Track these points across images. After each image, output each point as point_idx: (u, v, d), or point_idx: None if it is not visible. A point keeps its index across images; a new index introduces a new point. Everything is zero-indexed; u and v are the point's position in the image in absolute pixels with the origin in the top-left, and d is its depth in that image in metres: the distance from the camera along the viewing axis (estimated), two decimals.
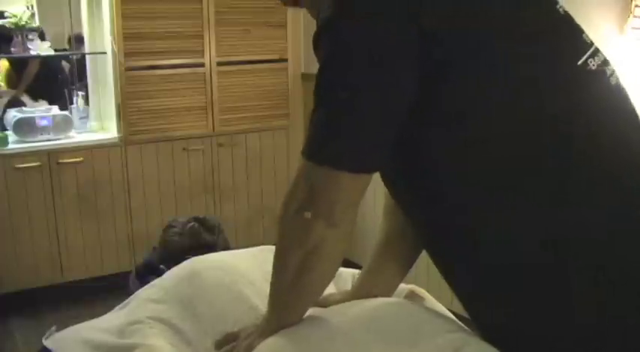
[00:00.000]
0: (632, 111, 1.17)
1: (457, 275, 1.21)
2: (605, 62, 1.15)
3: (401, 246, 1.40)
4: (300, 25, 4.41)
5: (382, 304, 1.30)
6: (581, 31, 1.16)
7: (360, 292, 1.41)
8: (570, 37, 1.14)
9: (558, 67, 1.10)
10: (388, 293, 1.43)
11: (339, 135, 1.07)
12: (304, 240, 1.12)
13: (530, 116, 1.06)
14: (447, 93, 1.05)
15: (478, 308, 1.21)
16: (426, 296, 1.52)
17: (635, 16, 2.67)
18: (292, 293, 1.20)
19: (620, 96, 1.16)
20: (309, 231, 1.11)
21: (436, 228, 1.19)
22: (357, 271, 1.67)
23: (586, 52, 1.12)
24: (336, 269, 1.23)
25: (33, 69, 5.08)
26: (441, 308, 1.48)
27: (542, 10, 1.13)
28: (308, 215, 1.10)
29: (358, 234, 3.92)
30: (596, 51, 1.14)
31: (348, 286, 1.62)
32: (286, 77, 4.37)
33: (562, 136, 1.07)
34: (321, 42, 1.09)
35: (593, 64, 1.12)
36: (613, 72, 1.16)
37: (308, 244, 1.12)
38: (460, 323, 1.33)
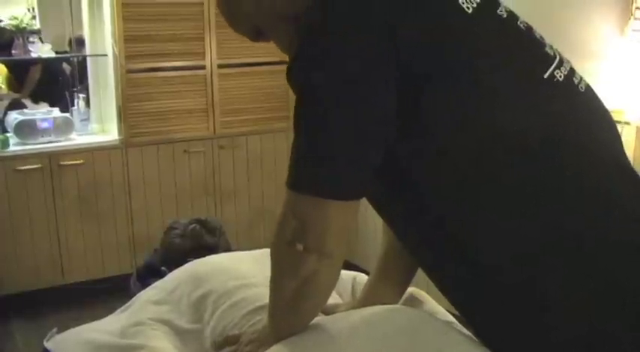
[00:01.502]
0: (607, 114, 1.19)
1: (448, 290, 1.22)
2: (572, 71, 1.16)
3: (401, 258, 1.40)
4: None
5: (381, 310, 1.30)
6: (544, 45, 1.16)
7: (365, 303, 1.41)
8: (533, 51, 1.14)
9: (523, 81, 1.10)
10: (393, 302, 1.43)
11: (321, 163, 1.06)
12: (297, 271, 1.11)
13: (494, 129, 1.06)
14: (421, 107, 1.05)
15: (470, 318, 1.22)
16: (427, 299, 1.52)
17: (635, 18, 2.67)
18: (288, 316, 1.20)
19: (592, 102, 1.17)
20: (302, 264, 1.10)
21: (421, 242, 1.19)
22: (357, 274, 1.68)
23: (551, 65, 1.12)
24: (330, 293, 1.22)
25: (36, 74, 5.09)
26: (442, 311, 1.48)
27: (505, 26, 1.14)
28: (300, 247, 1.08)
29: (359, 238, 3.92)
30: (561, 62, 1.14)
31: (348, 289, 1.62)
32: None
33: (529, 148, 1.06)
34: (293, 73, 1.08)
35: (560, 75, 1.12)
36: (581, 79, 1.17)
37: (301, 275, 1.11)
38: (460, 326, 1.33)
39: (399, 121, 1.05)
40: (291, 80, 1.09)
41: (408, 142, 1.07)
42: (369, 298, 1.43)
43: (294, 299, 1.15)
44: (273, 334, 1.23)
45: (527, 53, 1.14)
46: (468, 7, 1.08)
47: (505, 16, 1.14)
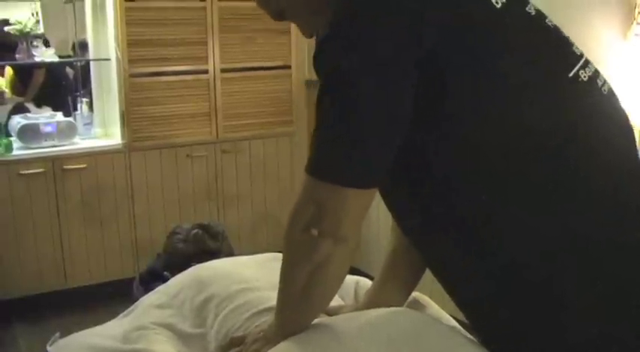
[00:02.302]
0: (625, 119, 1.19)
1: (457, 287, 1.22)
2: (596, 73, 1.16)
3: (408, 259, 1.40)
4: None
5: (386, 312, 1.30)
6: (571, 44, 1.17)
7: (369, 305, 1.41)
8: (561, 50, 1.15)
9: (550, 78, 1.11)
10: (399, 304, 1.43)
11: (344, 151, 1.07)
12: (312, 256, 1.12)
13: (522, 125, 1.07)
14: (448, 93, 1.06)
15: (478, 319, 1.22)
16: (430, 303, 1.52)
17: (638, 23, 2.67)
18: (299, 306, 1.20)
19: (613, 105, 1.18)
20: (317, 249, 1.11)
21: (434, 235, 1.19)
22: (360, 278, 1.68)
23: (577, 64, 1.13)
24: (342, 281, 1.24)
25: (40, 78, 5.10)
26: (445, 316, 1.48)
27: (533, 24, 1.14)
28: (315, 232, 1.10)
29: (362, 242, 3.92)
30: (587, 62, 1.15)
31: (351, 293, 1.62)
32: (290, 84, 4.38)
33: (552, 147, 1.07)
34: (317, 63, 1.09)
35: (584, 76, 1.13)
36: (605, 81, 1.17)
37: (315, 261, 1.12)
38: (464, 330, 1.33)
39: (424, 105, 1.05)
40: (318, 65, 1.09)
41: (432, 128, 1.07)
42: (374, 299, 1.43)
43: (306, 286, 1.16)
44: (280, 330, 1.23)
45: (554, 51, 1.14)
46: (496, 2, 1.09)
47: (533, 13, 1.15)
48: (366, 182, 1.09)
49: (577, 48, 1.17)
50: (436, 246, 1.21)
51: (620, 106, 1.20)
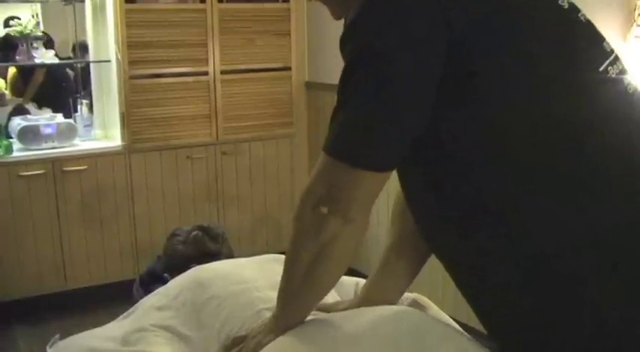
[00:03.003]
0: None
1: (466, 277, 1.21)
2: (623, 71, 1.16)
3: (408, 251, 1.40)
4: (304, 33, 4.42)
5: (386, 311, 1.31)
6: (603, 39, 1.18)
7: (366, 298, 1.41)
8: (592, 44, 1.16)
9: (579, 71, 1.12)
10: (394, 299, 1.43)
11: (363, 133, 1.08)
12: (319, 234, 1.13)
13: (550, 116, 1.07)
14: (474, 79, 1.06)
15: (498, 308, 1.20)
16: (430, 305, 1.52)
17: (638, 25, 2.67)
18: (303, 286, 1.21)
19: (636, 104, 1.17)
20: (325, 226, 1.12)
21: (451, 223, 1.17)
22: (360, 279, 1.68)
23: (607, 59, 1.14)
24: (346, 267, 1.23)
25: (39, 78, 5.10)
26: (445, 317, 1.48)
27: (564, 16, 1.15)
28: (325, 210, 1.11)
29: (361, 243, 3.92)
30: (616, 59, 1.16)
31: (351, 294, 1.62)
32: (290, 86, 4.38)
33: (576, 139, 1.08)
34: (347, 42, 1.10)
35: (612, 72, 1.13)
36: (630, 81, 1.18)
37: (322, 239, 1.13)
38: (463, 331, 1.33)
39: (452, 86, 1.06)
40: (347, 45, 1.10)
41: (460, 107, 1.08)
42: (370, 295, 1.43)
43: (310, 265, 1.16)
44: (281, 319, 1.24)
45: (584, 45, 1.15)
46: None
47: (566, 6, 1.15)
48: (384, 165, 1.10)
49: (608, 44, 1.17)
50: (451, 232, 1.19)
51: None
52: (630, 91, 1.16)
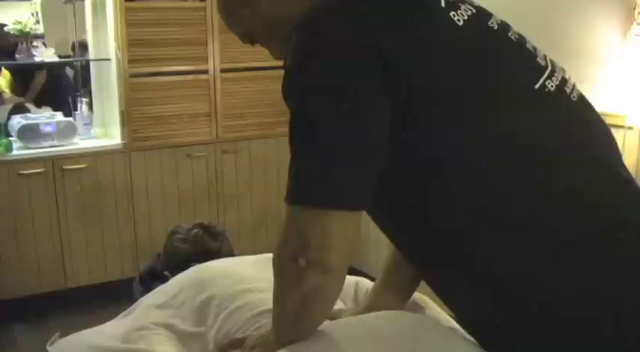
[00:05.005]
0: (597, 123, 1.19)
1: (455, 305, 1.23)
2: (564, 81, 1.16)
3: (404, 269, 1.40)
4: None
5: (385, 316, 1.31)
6: (536, 55, 1.17)
7: (370, 308, 1.41)
8: (525, 62, 1.15)
9: (514, 92, 1.11)
10: (397, 309, 1.43)
11: (322, 173, 1.05)
12: (300, 286, 1.10)
13: (488, 139, 1.07)
14: (413, 116, 1.06)
15: (476, 335, 1.22)
16: (429, 304, 1.52)
17: (638, 23, 2.67)
18: (293, 327, 1.19)
19: (584, 111, 1.18)
20: (305, 279, 1.09)
21: (427, 259, 1.20)
22: (360, 279, 1.68)
23: (542, 75, 1.13)
24: (334, 303, 1.22)
25: (41, 79, 5.10)
26: (445, 317, 1.48)
27: (495, 37, 1.15)
28: (302, 262, 1.07)
29: (361, 243, 3.92)
30: (553, 72, 1.15)
31: (351, 294, 1.62)
32: None
33: (523, 160, 1.07)
34: (291, 83, 1.09)
35: (551, 85, 1.13)
36: (573, 88, 1.18)
37: (304, 290, 1.10)
38: (462, 331, 1.33)
39: (397, 127, 1.06)
40: (286, 96, 1.10)
41: (398, 139, 1.07)
42: (374, 303, 1.44)
43: (297, 312, 1.15)
44: (277, 340, 1.23)
45: (518, 64, 1.15)
46: (458, 20, 1.10)
47: (496, 27, 1.15)
48: (347, 203, 1.06)
49: (542, 58, 1.17)
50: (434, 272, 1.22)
51: (593, 110, 1.20)
52: (575, 99, 1.16)
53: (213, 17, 4.05)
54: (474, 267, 1.10)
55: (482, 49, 1.12)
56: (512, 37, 1.16)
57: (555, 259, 1.07)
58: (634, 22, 2.68)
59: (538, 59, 1.16)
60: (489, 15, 1.16)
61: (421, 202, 1.11)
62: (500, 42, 1.15)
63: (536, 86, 1.11)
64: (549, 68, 1.15)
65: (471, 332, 1.24)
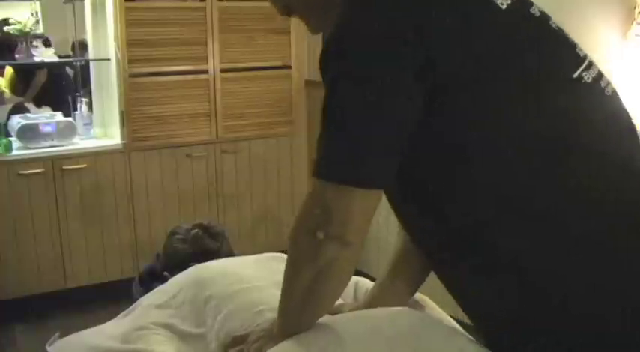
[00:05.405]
0: (628, 120, 1.19)
1: (470, 297, 1.22)
2: (600, 75, 1.16)
3: (414, 260, 1.40)
4: (304, 31, 4.40)
5: (387, 313, 1.30)
6: (575, 45, 1.17)
7: (372, 303, 1.41)
8: (564, 52, 1.16)
9: (553, 80, 1.11)
10: (400, 305, 1.43)
11: (349, 152, 1.07)
12: (316, 259, 1.12)
13: (524, 127, 1.07)
14: (443, 97, 1.06)
15: (489, 327, 1.22)
16: (429, 303, 1.52)
17: (638, 23, 2.67)
18: (302, 308, 1.20)
19: (616, 106, 1.18)
20: (322, 252, 1.11)
21: (445, 248, 1.19)
22: (359, 278, 1.68)
23: (580, 66, 1.13)
24: (346, 285, 1.23)
25: (42, 78, 5.10)
26: (445, 317, 1.48)
27: (536, 25, 1.15)
28: (321, 235, 1.10)
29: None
30: (590, 64, 1.15)
31: (350, 293, 1.62)
32: (290, 84, 4.38)
33: (556, 148, 1.08)
34: (326, 63, 1.10)
35: (587, 77, 1.13)
36: (608, 83, 1.18)
37: (319, 264, 1.12)
38: (463, 330, 1.33)
39: (429, 109, 1.06)
40: (323, 68, 1.11)
41: (430, 124, 1.08)
42: (377, 298, 1.44)
43: (309, 288, 1.16)
44: (282, 330, 1.23)
45: (558, 52, 1.15)
46: (502, 4, 1.10)
47: (538, 15, 1.16)
48: (375, 181, 1.09)
49: (580, 49, 1.17)
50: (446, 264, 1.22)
51: (624, 108, 1.20)
52: (609, 94, 1.16)
53: (213, 17, 4.05)
54: (498, 258, 1.11)
55: (524, 35, 1.13)
56: (553, 26, 1.17)
57: (569, 253, 1.07)
58: (634, 22, 2.68)
59: (577, 50, 1.17)
60: (531, 3, 1.16)
61: (446, 189, 1.12)
62: (541, 29, 1.15)
63: (574, 75, 1.12)
64: (587, 60, 1.16)
65: (480, 326, 1.23)
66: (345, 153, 1.08)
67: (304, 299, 1.18)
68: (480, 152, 1.08)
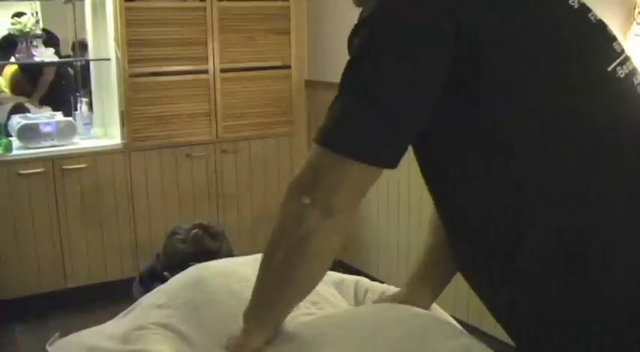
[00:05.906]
0: None
1: (489, 285, 1.21)
2: (634, 71, 1.16)
3: (441, 261, 1.40)
4: (304, 31, 4.42)
5: (391, 311, 1.31)
6: (613, 39, 1.18)
7: (402, 300, 1.42)
8: (601, 44, 1.16)
9: (587, 72, 1.11)
10: (429, 300, 1.45)
11: (359, 124, 1.06)
12: (298, 226, 1.11)
13: (557, 116, 1.07)
14: (478, 88, 1.07)
15: (512, 314, 1.20)
16: (432, 306, 1.52)
17: (638, 23, 2.67)
18: (275, 286, 1.18)
19: None
20: (305, 217, 1.10)
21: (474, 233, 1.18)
22: (360, 278, 1.68)
23: (615, 60, 1.14)
24: (326, 266, 1.20)
25: (49, 76, 5.09)
26: (445, 316, 1.48)
27: (575, 16, 1.15)
28: (306, 200, 1.09)
29: (361, 243, 3.92)
30: (626, 59, 1.16)
31: (351, 293, 1.62)
32: (290, 84, 4.38)
33: (585, 138, 1.08)
34: (357, 34, 1.10)
35: (621, 72, 1.13)
36: None
37: (300, 231, 1.11)
38: (463, 330, 1.33)
39: (456, 88, 1.06)
40: (355, 38, 1.10)
41: (461, 111, 1.08)
42: (407, 295, 1.45)
43: (287, 259, 1.14)
44: (251, 331, 1.23)
45: (593, 45, 1.15)
46: None
47: (577, 6, 1.16)
48: (371, 159, 1.07)
49: (619, 44, 1.17)
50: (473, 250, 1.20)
51: None
52: None
53: (213, 17, 4.05)
54: (537, 248, 1.08)
55: (561, 26, 1.13)
56: (592, 18, 1.17)
57: (620, 244, 1.06)
58: (634, 22, 2.68)
59: (614, 44, 1.17)
60: None
61: (482, 175, 1.11)
62: (579, 20, 1.15)
63: (609, 69, 1.12)
64: (624, 55, 1.16)
65: (503, 318, 1.21)
66: (356, 125, 1.06)
67: (277, 276, 1.16)
68: (514, 139, 1.07)
